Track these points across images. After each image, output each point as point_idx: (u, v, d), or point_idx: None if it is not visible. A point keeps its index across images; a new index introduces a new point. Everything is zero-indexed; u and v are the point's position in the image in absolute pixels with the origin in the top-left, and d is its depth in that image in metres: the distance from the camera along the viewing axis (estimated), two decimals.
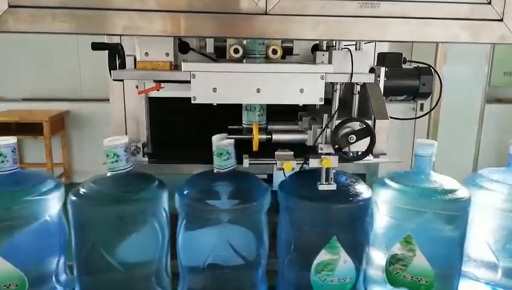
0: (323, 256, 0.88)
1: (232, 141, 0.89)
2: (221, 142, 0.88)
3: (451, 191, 0.91)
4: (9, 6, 0.65)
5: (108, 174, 0.87)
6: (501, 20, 0.73)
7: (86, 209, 0.85)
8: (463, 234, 0.93)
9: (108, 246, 0.84)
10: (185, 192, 0.89)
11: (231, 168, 0.90)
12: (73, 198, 0.85)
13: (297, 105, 0.87)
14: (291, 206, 0.92)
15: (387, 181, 0.94)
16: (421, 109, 3.56)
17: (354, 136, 0.87)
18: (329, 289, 0.90)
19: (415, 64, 1.08)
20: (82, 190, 0.86)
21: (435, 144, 0.92)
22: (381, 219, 0.96)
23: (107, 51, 0.93)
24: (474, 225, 0.96)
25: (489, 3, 0.72)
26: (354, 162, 0.95)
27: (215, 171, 0.90)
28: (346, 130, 0.87)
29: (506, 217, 0.93)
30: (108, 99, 1.20)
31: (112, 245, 0.85)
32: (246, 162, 0.94)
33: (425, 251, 0.89)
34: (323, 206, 0.88)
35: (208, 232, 0.88)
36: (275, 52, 0.95)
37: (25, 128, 3.66)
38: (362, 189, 0.92)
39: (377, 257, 0.96)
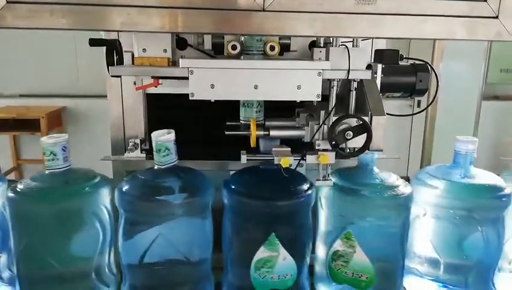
0: (262, 253, 0.88)
1: (171, 137, 0.88)
2: (159, 137, 0.87)
3: (392, 188, 0.92)
4: (7, 2, 0.65)
5: (47, 171, 0.87)
6: (497, 17, 0.73)
7: (21, 205, 0.84)
8: (404, 230, 0.95)
9: (44, 243, 0.85)
10: (124, 189, 0.89)
11: (171, 164, 0.89)
12: (10, 194, 0.84)
13: (295, 101, 0.88)
14: (232, 203, 0.93)
15: (333, 178, 0.95)
16: (418, 105, 3.57)
17: (350, 133, 0.87)
18: (270, 286, 0.90)
19: (412, 61, 1.08)
20: (19, 187, 0.86)
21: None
22: (324, 216, 0.97)
23: (104, 47, 0.93)
24: (418, 221, 0.98)
25: (485, 0, 0.72)
26: (351, 158, 0.96)
27: (155, 167, 0.90)
28: (343, 126, 0.88)
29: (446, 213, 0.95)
30: (106, 96, 1.20)
31: (48, 242, 0.85)
32: (244, 158, 0.94)
33: (366, 247, 0.90)
34: (261, 203, 0.89)
35: (148, 229, 0.87)
36: (272, 48, 0.95)
37: (22, 125, 3.65)
38: (305, 186, 0.93)
39: (322, 254, 0.98)
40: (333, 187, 0.93)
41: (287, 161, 0.89)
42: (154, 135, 0.88)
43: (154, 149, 0.88)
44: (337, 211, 0.94)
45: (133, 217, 0.89)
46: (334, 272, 0.94)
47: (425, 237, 0.98)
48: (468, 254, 0.94)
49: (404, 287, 1.00)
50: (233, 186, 0.93)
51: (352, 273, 0.91)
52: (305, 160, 0.91)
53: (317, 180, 0.92)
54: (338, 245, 0.92)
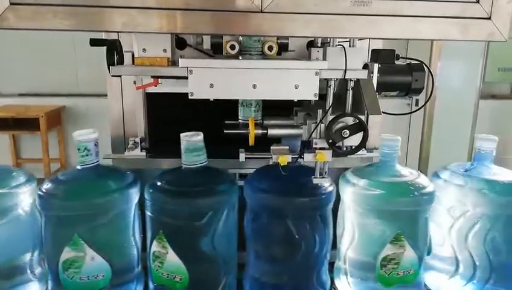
0: (66, 254, 0.87)
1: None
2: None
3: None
4: (11, 4, 0.67)
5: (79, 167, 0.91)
6: (489, 18, 0.75)
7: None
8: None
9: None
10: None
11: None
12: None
13: (293, 100, 0.89)
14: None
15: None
16: (416, 104, 3.59)
17: (347, 131, 0.89)
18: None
19: (408, 61, 1.10)
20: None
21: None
22: None
23: (105, 47, 0.95)
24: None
25: (478, 2, 0.74)
26: (348, 156, 0.97)
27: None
28: (340, 125, 0.90)
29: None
30: (105, 95, 1.21)
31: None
32: (242, 157, 0.96)
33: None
34: None
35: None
36: (270, 48, 0.96)
37: (22, 124, 3.66)
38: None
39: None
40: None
41: (285, 159, 0.91)
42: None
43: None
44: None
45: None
46: (153, 272, 0.92)
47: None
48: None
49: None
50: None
51: (168, 274, 0.89)
52: (302, 158, 0.92)
53: (315, 177, 0.94)
54: (154, 246, 0.90)
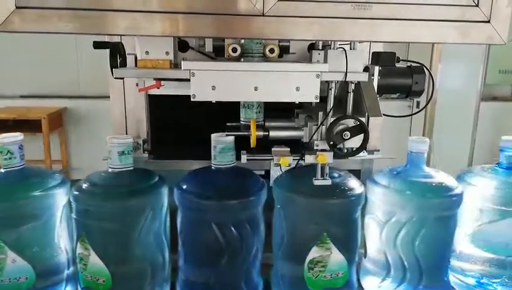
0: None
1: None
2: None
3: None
4: (17, 8, 0.68)
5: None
6: (488, 21, 0.76)
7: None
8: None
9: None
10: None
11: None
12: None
13: (294, 103, 0.90)
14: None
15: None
16: (417, 106, 3.60)
17: (348, 133, 0.89)
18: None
19: (409, 63, 1.11)
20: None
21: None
22: None
23: (107, 50, 0.96)
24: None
25: (477, 5, 0.75)
26: (349, 158, 0.98)
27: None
28: (341, 127, 0.90)
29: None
30: (106, 96, 1.22)
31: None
32: (244, 158, 0.97)
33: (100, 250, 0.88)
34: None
35: None
36: (272, 51, 0.97)
37: (23, 125, 3.66)
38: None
39: None
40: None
41: (286, 161, 0.92)
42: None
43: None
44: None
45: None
46: (80, 275, 0.91)
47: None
48: None
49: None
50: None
51: (91, 276, 0.88)
52: (303, 160, 0.93)
53: (316, 179, 0.94)
54: (78, 248, 0.88)
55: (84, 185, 0.89)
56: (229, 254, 0.90)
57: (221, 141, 0.92)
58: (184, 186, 0.93)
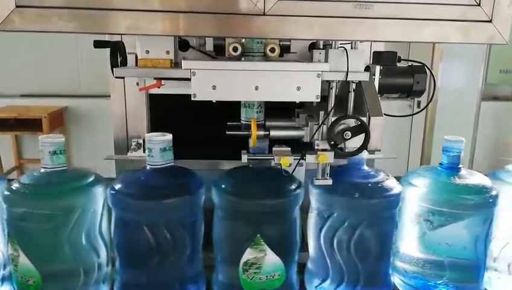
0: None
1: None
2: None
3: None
4: (17, 6, 0.68)
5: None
6: (490, 21, 0.75)
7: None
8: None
9: None
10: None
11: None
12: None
13: (295, 102, 0.90)
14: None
15: None
16: (418, 106, 3.60)
17: (349, 133, 0.89)
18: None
19: (410, 63, 1.10)
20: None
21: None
22: None
23: (108, 49, 0.95)
24: None
25: (479, 5, 0.75)
26: (350, 157, 0.98)
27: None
28: (342, 126, 0.90)
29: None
30: (107, 96, 1.22)
31: None
32: (245, 158, 0.96)
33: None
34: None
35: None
36: (272, 50, 0.97)
37: (24, 125, 3.68)
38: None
39: None
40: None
41: (287, 161, 0.92)
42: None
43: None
44: None
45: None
46: (13, 276, 0.91)
47: None
48: None
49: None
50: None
51: (21, 277, 0.88)
52: (304, 159, 0.93)
53: (316, 179, 0.94)
54: (9, 249, 0.88)
55: (14, 186, 0.88)
56: (161, 255, 0.89)
57: (157, 141, 0.91)
58: (117, 187, 0.91)
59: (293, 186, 0.94)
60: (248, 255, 0.89)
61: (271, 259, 0.89)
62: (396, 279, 1.03)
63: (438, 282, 0.97)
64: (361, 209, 0.92)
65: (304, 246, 1.00)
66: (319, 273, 0.98)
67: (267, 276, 0.90)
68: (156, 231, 0.88)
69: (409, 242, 1.00)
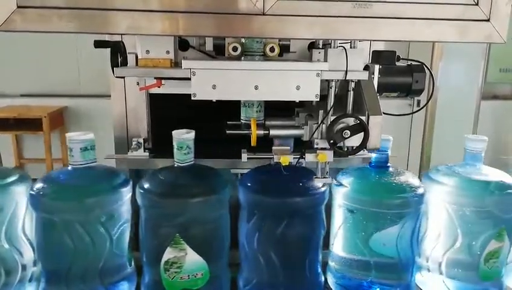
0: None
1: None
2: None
3: None
4: (18, 7, 0.68)
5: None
6: (488, 20, 0.76)
7: None
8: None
9: None
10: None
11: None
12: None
13: (294, 101, 0.90)
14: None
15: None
16: (418, 105, 3.59)
17: (348, 132, 0.90)
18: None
19: (409, 62, 1.11)
20: None
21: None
22: None
23: (108, 49, 0.96)
24: None
25: (477, 4, 0.75)
26: (349, 156, 0.98)
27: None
28: (341, 125, 0.91)
29: None
30: (107, 95, 1.22)
31: None
32: (245, 157, 0.97)
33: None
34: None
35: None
36: (272, 50, 0.97)
37: (24, 124, 3.67)
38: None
39: None
40: None
41: (287, 159, 0.92)
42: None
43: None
44: None
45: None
46: None
47: None
48: None
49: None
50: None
51: None
52: (304, 158, 0.93)
53: (316, 177, 0.95)
54: None
55: None
56: (80, 255, 0.87)
57: (77, 141, 0.91)
58: (35, 187, 0.89)
59: (218, 186, 0.92)
60: (168, 254, 0.88)
61: (192, 258, 0.88)
62: (329, 278, 1.04)
63: (367, 281, 0.97)
64: (283, 207, 0.92)
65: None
66: (248, 272, 0.98)
67: (189, 275, 0.89)
68: (72, 231, 0.86)
69: (338, 242, 1.01)
